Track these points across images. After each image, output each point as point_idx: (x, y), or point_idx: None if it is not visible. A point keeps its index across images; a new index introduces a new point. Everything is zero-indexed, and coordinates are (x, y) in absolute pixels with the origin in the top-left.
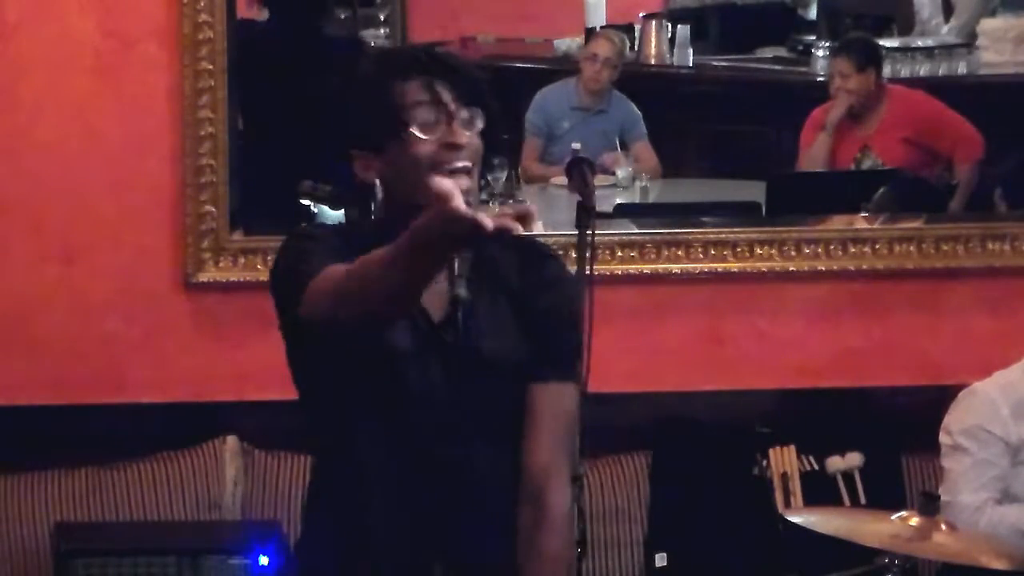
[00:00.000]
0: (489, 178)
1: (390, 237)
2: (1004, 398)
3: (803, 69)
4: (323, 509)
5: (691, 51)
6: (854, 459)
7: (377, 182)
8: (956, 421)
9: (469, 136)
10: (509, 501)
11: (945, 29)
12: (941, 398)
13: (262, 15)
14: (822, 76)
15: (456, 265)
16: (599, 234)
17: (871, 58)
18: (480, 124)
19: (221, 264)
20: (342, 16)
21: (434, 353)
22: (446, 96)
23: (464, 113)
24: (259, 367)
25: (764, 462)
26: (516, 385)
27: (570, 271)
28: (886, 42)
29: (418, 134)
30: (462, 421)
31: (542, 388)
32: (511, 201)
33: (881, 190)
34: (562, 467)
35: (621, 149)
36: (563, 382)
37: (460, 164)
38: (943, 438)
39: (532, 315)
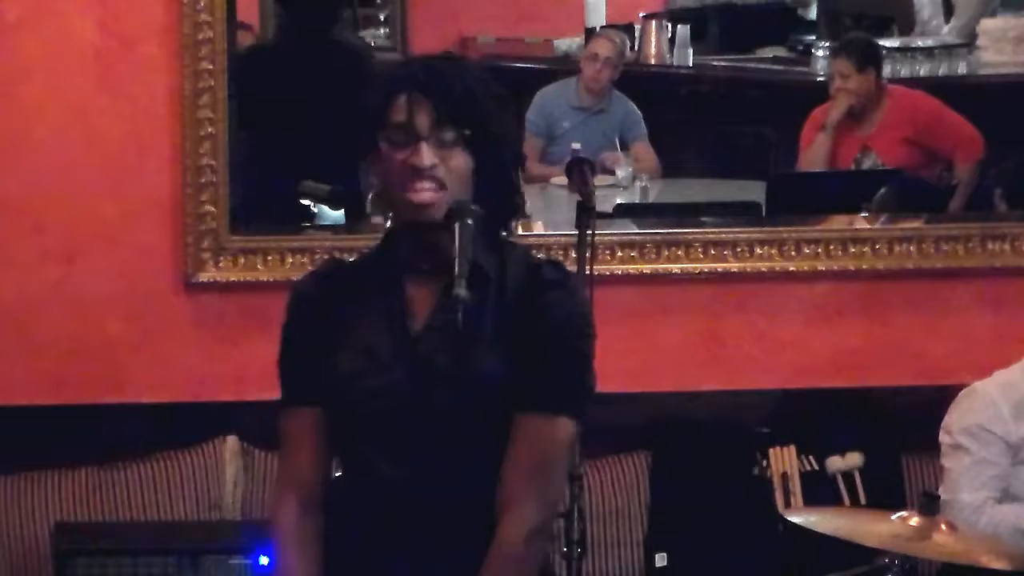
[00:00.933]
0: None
1: (385, 263)
2: (1004, 397)
3: (803, 69)
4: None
5: (691, 51)
6: (854, 459)
7: (372, 190)
8: (956, 420)
9: (447, 156)
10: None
11: (945, 29)
12: (941, 398)
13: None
14: (822, 76)
15: (456, 265)
16: (599, 234)
17: (871, 58)
18: (462, 143)
19: (221, 264)
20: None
21: (404, 369)
22: (422, 117)
23: (448, 133)
24: (259, 367)
25: (764, 462)
26: (496, 402)
27: (579, 301)
28: (886, 42)
29: (389, 152)
30: (431, 439)
31: (522, 418)
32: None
33: (882, 190)
34: (523, 501)
35: (621, 149)
36: (549, 415)
37: (422, 184)
38: (943, 437)
39: (527, 342)
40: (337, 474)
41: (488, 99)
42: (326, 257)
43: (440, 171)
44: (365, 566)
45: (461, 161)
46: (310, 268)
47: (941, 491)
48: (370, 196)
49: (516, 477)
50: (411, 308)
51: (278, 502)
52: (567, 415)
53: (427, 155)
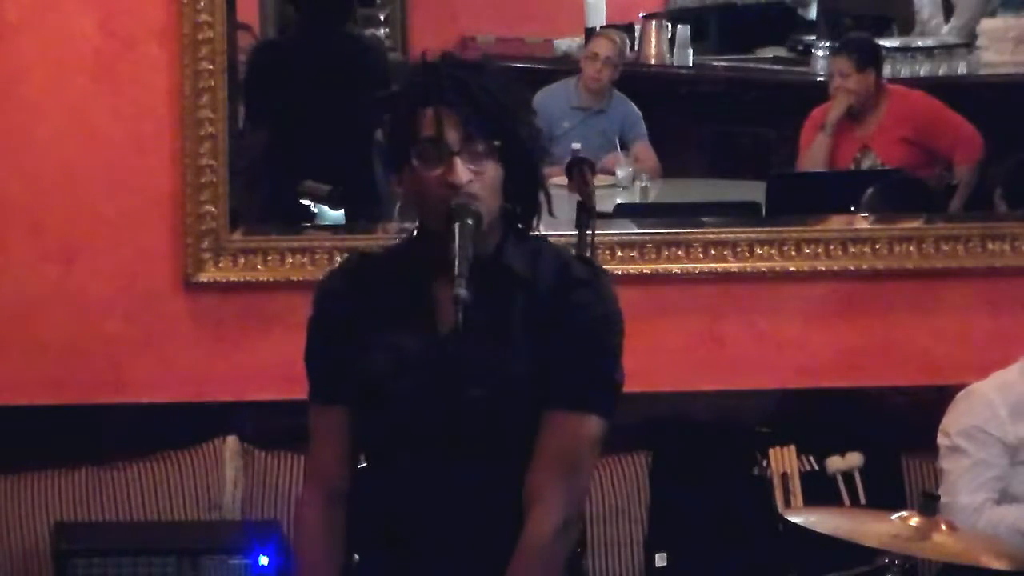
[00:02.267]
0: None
1: (413, 263)
2: (1002, 399)
3: (803, 69)
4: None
5: (691, 51)
6: (854, 459)
7: (399, 201)
8: (954, 422)
9: (479, 170)
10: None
11: (945, 29)
12: (941, 398)
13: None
14: (822, 76)
15: (456, 265)
16: (599, 234)
17: (871, 58)
18: (494, 156)
19: (221, 264)
20: None
21: (432, 370)
22: (451, 131)
23: (479, 146)
24: (259, 367)
25: (764, 462)
26: (524, 402)
27: (608, 299)
28: (886, 42)
29: (421, 170)
30: (461, 438)
31: (550, 414)
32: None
33: (870, 189)
34: (551, 497)
35: (621, 149)
36: (578, 412)
37: (458, 197)
38: (941, 439)
39: (557, 338)
40: (362, 465)
41: (515, 106)
42: (350, 253)
43: (475, 186)
44: (392, 562)
45: (493, 172)
46: (310, 268)
47: (940, 493)
48: (397, 207)
49: (544, 473)
50: (439, 309)
51: (304, 498)
52: (595, 412)
53: (462, 171)
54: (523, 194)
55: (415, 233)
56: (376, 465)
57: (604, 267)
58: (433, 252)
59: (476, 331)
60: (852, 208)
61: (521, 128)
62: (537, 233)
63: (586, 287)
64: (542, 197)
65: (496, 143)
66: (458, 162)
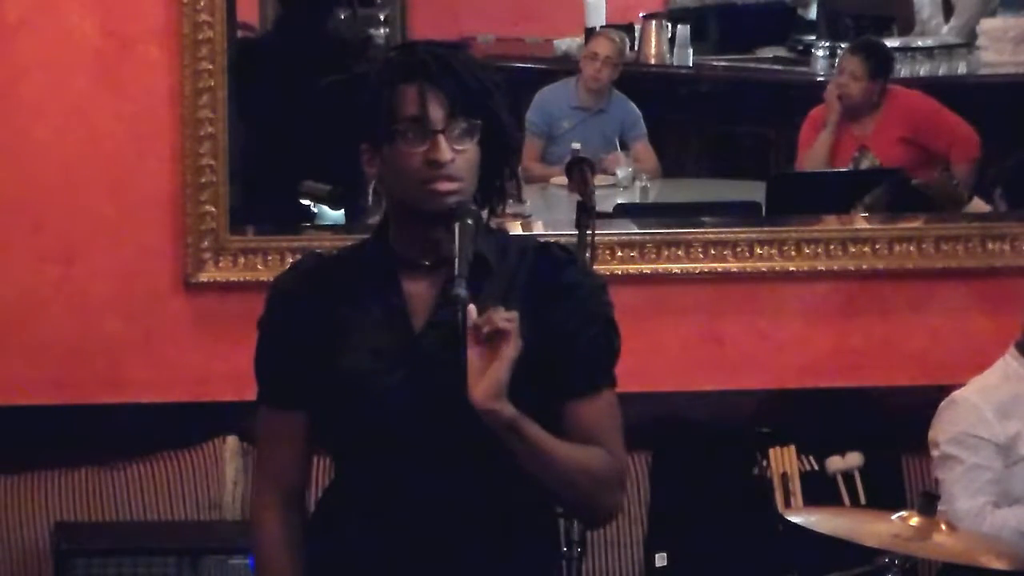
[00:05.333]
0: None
1: (378, 260)
2: (985, 401)
3: (803, 69)
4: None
5: (691, 51)
6: (854, 459)
7: (373, 180)
8: (941, 432)
9: (462, 148)
10: (506, 542)
11: (945, 29)
12: (941, 398)
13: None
14: (822, 76)
15: (456, 264)
16: (599, 234)
17: (884, 69)
18: (476, 135)
19: (221, 264)
20: (342, 16)
21: (409, 367)
22: (436, 109)
23: (462, 124)
24: None
25: (764, 462)
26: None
27: (595, 273)
28: (886, 42)
29: (404, 147)
30: (446, 436)
31: (570, 404)
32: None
33: (874, 190)
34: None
35: (621, 149)
36: (592, 395)
37: (444, 177)
38: (932, 451)
39: (545, 330)
40: (331, 479)
41: (496, 87)
42: (303, 254)
43: (457, 166)
44: (380, 565)
45: (473, 153)
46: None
47: (939, 504)
48: (371, 187)
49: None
50: (410, 305)
51: (261, 503)
52: (609, 385)
53: (446, 149)
54: (495, 180)
55: (377, 229)
56: (352, 469)
57: (601, 267)
58: (401, 243)
59: (451, 326)
60: (853, 207)
61: (502, 110)
62: (497, 224)
63: (571, 265)
64: (513, 185)
65: (478, 123)
66: (442, 140)
